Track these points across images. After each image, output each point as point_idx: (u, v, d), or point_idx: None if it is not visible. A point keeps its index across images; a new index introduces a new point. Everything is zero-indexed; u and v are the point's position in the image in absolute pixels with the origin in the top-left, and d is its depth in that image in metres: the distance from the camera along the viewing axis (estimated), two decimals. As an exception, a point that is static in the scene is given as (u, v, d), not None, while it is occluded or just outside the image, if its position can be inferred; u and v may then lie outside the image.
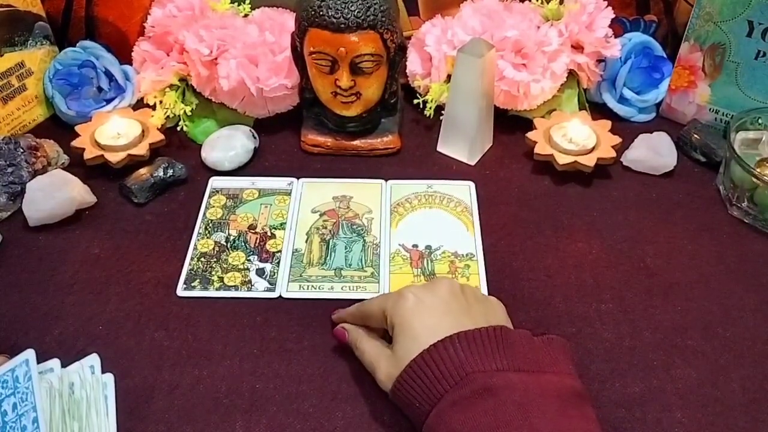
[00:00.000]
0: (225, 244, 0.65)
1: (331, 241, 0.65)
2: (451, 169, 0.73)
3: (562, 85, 0.76)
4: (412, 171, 0.73)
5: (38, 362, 0.49)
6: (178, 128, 0.74)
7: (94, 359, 0.53)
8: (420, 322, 0.48)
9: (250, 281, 0.61)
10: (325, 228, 0.66)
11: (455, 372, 0.44)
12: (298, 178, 0.72)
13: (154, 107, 0.74)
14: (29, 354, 0.49)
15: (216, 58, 0.72)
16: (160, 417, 0.50)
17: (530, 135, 0.73)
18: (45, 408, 0.47)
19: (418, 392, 0.45)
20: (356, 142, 0.74)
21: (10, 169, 0.66)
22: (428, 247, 0.64)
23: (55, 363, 0.51)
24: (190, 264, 0.62)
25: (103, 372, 0.52)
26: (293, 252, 0.64)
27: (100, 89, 0.79)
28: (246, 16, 0.78)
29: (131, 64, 0.78)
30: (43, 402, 0.47)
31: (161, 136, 0.72)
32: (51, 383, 0.49)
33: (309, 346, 0.56)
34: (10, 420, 0.46)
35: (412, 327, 0.48)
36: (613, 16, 0.75)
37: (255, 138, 0.74)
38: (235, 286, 0.61)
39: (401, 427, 0.50)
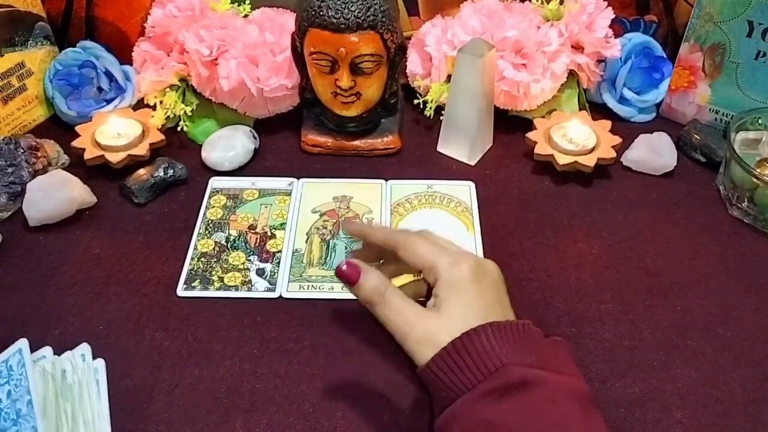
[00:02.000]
0: (225, 244, 0.65)
1: (331, 241, 0.65)
2: (451, 169, 0.73)
3: (562, 85, 0.76)
4: (412, 171, 0.73)
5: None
6: (179, 128, 0.74)
7: (84, 348, 0.54)
8: (470, 300, 0.46)
9: (250, 281, 0.61)
10: (326, 228, 0.66)
11: (490, 363, 0.43)
12: (298, 178, 0.72)
13: (154, 107, 0.74)
14: (22, 343, 0.50)
15: (216, 59, 0.72)
16: (160, 417, 0.51)
17: (530, 135, 0.73)
18: (39, 391, 0.48)
19: (451, 377, 0.44)
20: (356, 142, 0.74)
21: (10, 170, 0.66)
22: (428, 247, 0.64)
23: (47, 351, 0.52)
24: (190, 264, 0.62)
25: (94, 359, 0.53)
26: (293, 252, 0.64)
27: (100, 89, 0.79)
28: (246, 16, 0.78)
29: (131, 65, 0.78)
30: (37, 385, 0.48)
31: (161, 137, 0.72)
32: (44, 368, 0.50)
33: (309, 346, 0.56)
34: (5, 407, 0.47)
35: (465, 301, 0.45)
36: (613, 16, 0.75)
37: (255, 138, 0.74)
38: (235, 286, 0.61)
39: (401, 427, 0.50)
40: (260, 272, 0.62)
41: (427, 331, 0.45)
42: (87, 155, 0.69)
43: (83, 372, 0.52)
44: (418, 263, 0.48)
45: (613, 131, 0.73)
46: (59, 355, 0.53)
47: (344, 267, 0.47)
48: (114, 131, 0.71)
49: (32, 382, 0.47)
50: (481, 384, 0.42)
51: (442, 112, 0.74)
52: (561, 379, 0.43)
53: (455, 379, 0.43)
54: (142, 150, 0.70)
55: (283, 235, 0.65)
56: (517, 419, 0.41)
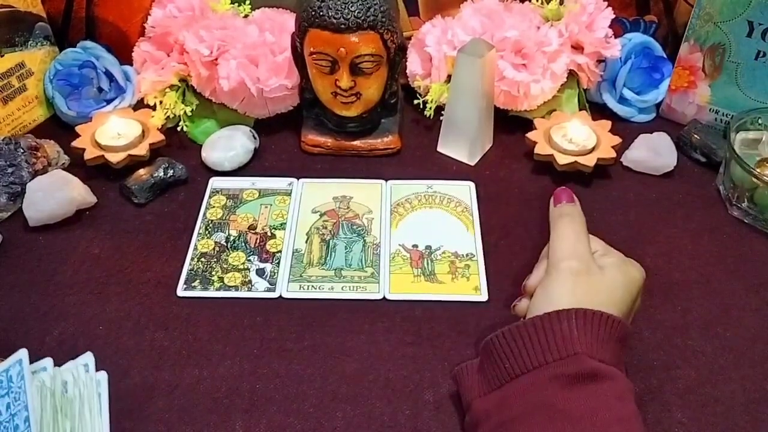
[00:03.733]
0: (225, 244, 0.65)
1: (331, 241, 0.65)
2: (451, 169, 0.73)
3: (562, 85, 0.76)
4: (412, 171, 0.73)
5: (34, 362, 0.49)
6: (179, 129, 0.74)
7: (88, 357, 0.53)
8: (586, 286, 0.47)
9: (250, 281, 0.61)
10: (326, 228, 0.66)
11: (563, 347, 0.43)
12: (298, 179, 0.72)
13: (154, 107, 0.74)
14: (22, 353, 0.49)
15: (216, 59, 0.72)
16: (159, 417, 0.51)
17: (530, 135, 0.73)
18: (36, 407, 0.47)
19: (515, 353, 0.44)
20: (356, 143, 0.74)
21: (10, 170, 0.66)
22: (428, 247, 0.64)
23: (48, 362, 0.51)
24: (190, 264, 0.62)
25: (97, 370, 0.52)
26: (293, 252, 0.64)
27: (100, 90, 0.79)
28: (246, 16, 0.78)
29: (131, 65, 0.78)
30: (35, 401, 0.47)
31: (161, 137, 0.72)
32: (43, 382, 0.49)
33: (309, 346, 0.56)
34: (4, 420, 0.47)
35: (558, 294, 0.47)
36: (613, 16, 0.75)
37: (255, 138, 0.74)
38: (235, 286, 0.61)
39: (401, 428, 0.50)
40: (260, 272, 0.62)
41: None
42: (87, 155, 0.69)
43: (85, 385, 0.50)
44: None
45: (613, 131, 0.73)
46: (60, 365, 0.51)
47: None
48: (114, 131, 0.71)
49: (30, 398, 0.46)
50: (551, 367, 0.43)
51: (442, 112, 0.74)
52: (629, 381, 0.44)
53: (524, 354, 0.44)
54: (142, 150, 0.70)
55: (283, 235, 0.65)
56: (581, 409, 0.41)
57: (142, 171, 0.69)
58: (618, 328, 0.45)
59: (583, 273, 0.47)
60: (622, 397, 0.42)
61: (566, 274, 0.47)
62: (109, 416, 0.49)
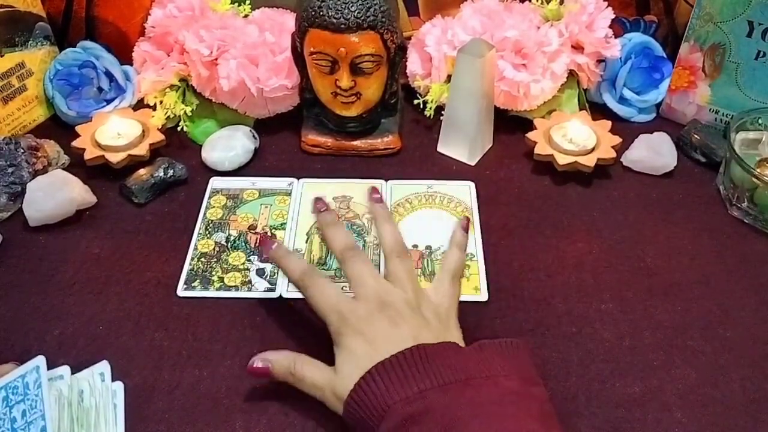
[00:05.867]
0: (225, 244, 0.65)
1: (331, 241, 0.65)
2: (451, 169, 0.73)
3: (562, 85, 0.76)
4: (412, 171, 0.73)
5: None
6: (179, 128, 0.74)
7: (104, 366, 0.52)
8: (352, 347, 0.48)
9: (250, 281, 0.61)
10: (325, 228, 0.66)
11: (380, 407, 0.43)
12: (298, 179, 0.72)
13: (154, 107, 0.74)
14: (40, 361, 0.48)
15: (216, 59, 0.72)
16: (160, 417, 0.50)
17: (530, 135, 0.73)
18: (54, 417, 0.47)
19: (359, 426, 0.45)
20: (356, 143, 0.74)
21: (10, 170, 0.66)
22: (428, 247, 0.64)
23: (65, 370, 0.51)
24: (190, 264, 0.62)
25: (113, 380, 0.52)
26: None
27: (100, 90, 0.79)
28: (246, 16, 0.78)
29: (131, 65, 0.78)
30: (53, 411, 0.47)
31: (161, 137, 0.72)
32: (60, 391, 0.49)
33: (309, 346, 0.56)
34: (19, 427, 0.46)
35: (346, 351, 0.48)
36: (613, 16, 0.75)
37: (255, 138, 0.74)
38: (235, 286, 0.61)
39: (401, 427, 0.50)
40: (260, 272, 0.62)
41: (336, 389, 0.47)
42: (87, 155, 0.69)
43: (101, 394, 0.50)
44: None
45: (613, 131, 0.73)
46: (61, 365, 0.51)
47: (254, 367, 0.50)
48: (114, 131, 0.71)
49: (48, 407, 0.46)
50: (378, 429, 0.43)
51: (442, 112, 0.74)
52: (462, 391, 0.42)
53: (362, 428, 0.44)
54: (142, 150, 0.70)
55: (283, 235, 0.65)
56: None
57: (142, 171, 0.69)
58: (420, 352, 0.44)
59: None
60: (448, 425, 0.41)
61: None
62: (124, 428, 0.49)
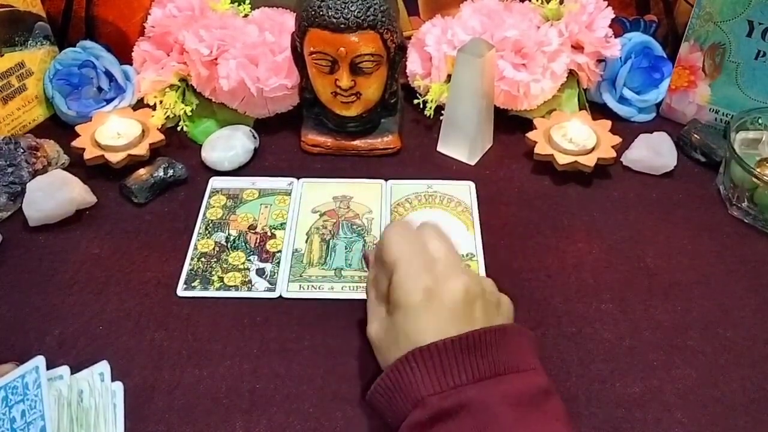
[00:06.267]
0: (225, 244, 0.65)
1: (331, 241, 0.65)
2: (451, 169, 0.73)
3: (562, 85, 0.76)
4: (412, 171, 0.73)
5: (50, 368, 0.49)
6: (178, 128, 0.74)
7: (104, 366, 0.52)
8: (417, 325, 0.45)
9: (250, 281, 0.61)
10: (326, 228, 0.66)
11: (412, 396, 0.42)
12: (298, 178, 0.72)
13: (154, 107, 0.74)
14: (39, 361, 0.48)
15: (216, 58, 0.72)
16: (160, 417, 0.51)
17: (530, 135, 0.73)
18: (53, 417, 0.47)
19: (386, 408, 0.44)
20: (356, 142, 0.74)
21: (10, 169, 0.66)
22: (428, 247, 0.64)
23: (64, 370, 0.51)
24: (190, 264, 0.62)
25: (113, 380, 0.52)
26: (293, 252, 0.64)
27: (100, 89, 0.79)
28: (246, 16, 0.78)
29: (131, 64, 0.78)
30: (52, 411, 0.47)
31: (161, 136, 0.72)
32: (60, 391, 0.49)
33: (309, 346, 0.56)
34: (19, 427, 0.46)
35: (405, 328, 0.45)
36: (613, 16, 0.75)
37: (255, 138, 0.74)
38: (235, 286, 0.61)
39: (401, 427, 0.50)
40: (260, 272, 0.62)
41: (379, 329, 0.48)
42: (87, 155, 0.69)
43: (101, 395, 0.50)
44: (382, 271, 0.49)
45: (613, 131, 0.73)
46: (61, 365, 0.51)
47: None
48: (114, 131, 0.71)
49: (47, 408, 0.46)
50: (409, 417, 0.42)
51: (442, 112, 0.74)
52: (497, 386, 0.42)
53: (388, 409, 0.44)
54: (142, 150, 0.70)
55: (283, 235, 0.65)
56: None
57: (142, 171, 0.69)
58: (458, 343, 0.43)
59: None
60: (480, 422, 0.41)
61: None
62: (124, 428, 0.49)
